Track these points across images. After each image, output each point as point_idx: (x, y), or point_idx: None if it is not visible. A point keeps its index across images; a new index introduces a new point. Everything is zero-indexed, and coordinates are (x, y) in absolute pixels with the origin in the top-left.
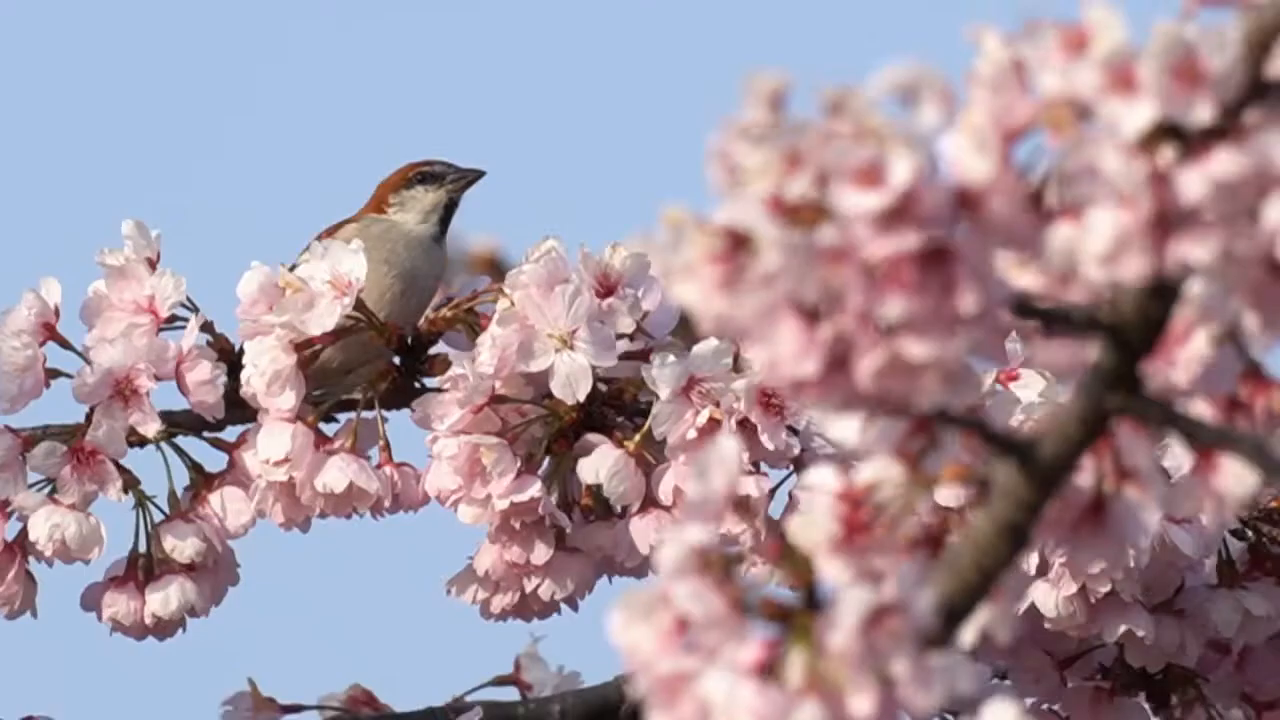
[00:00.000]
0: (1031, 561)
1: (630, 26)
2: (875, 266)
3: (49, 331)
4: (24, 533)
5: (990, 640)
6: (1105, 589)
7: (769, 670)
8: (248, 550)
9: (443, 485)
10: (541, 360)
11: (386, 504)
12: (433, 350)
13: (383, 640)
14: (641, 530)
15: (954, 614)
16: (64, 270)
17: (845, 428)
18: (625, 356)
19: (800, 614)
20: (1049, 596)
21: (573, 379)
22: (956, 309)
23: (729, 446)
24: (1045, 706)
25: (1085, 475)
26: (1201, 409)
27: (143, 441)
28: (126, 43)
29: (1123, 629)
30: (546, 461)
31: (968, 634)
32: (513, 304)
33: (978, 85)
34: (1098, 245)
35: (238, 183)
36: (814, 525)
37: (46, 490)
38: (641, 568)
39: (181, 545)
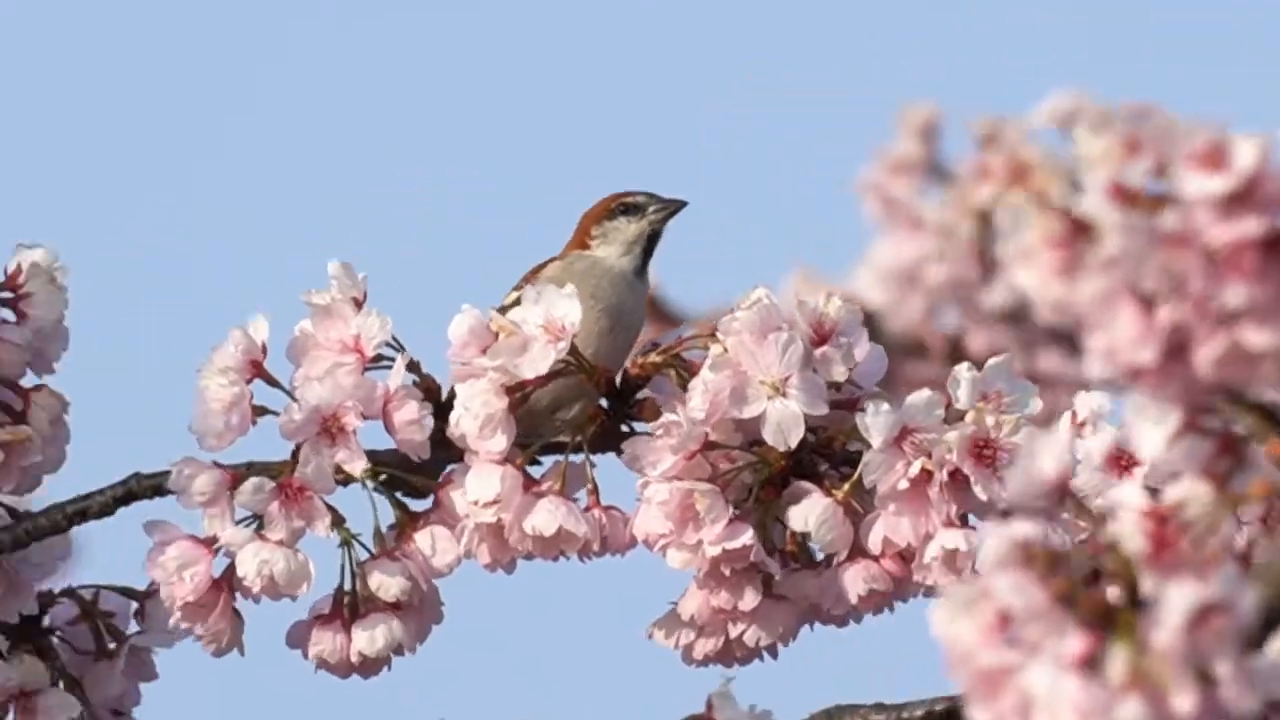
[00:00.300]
0: None
1: (628, 22)
2: (1217, 252)
3: (256, 369)
4: (231, 569)
5: None
6: None
7: (1091, 666)
8: (451, 588)
9: (652, 529)
10: (754, 407)
11: (595, 547)
12: (640, 395)
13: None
14: (851, 579)
15: (1268, 622)
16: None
17: (1152, 439)
18: (833, 405)
19: (1124, 611)
20: None
21: (784, 426)
22: None
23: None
24: None
25: None
26: None
27: (347, 480)
28: (126, 43)
29: None
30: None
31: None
32: (725, 350)
33: None
34: None
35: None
36: (1124, 541)
37: (253, 527)
38: (845, 617)
39: (388, 583)
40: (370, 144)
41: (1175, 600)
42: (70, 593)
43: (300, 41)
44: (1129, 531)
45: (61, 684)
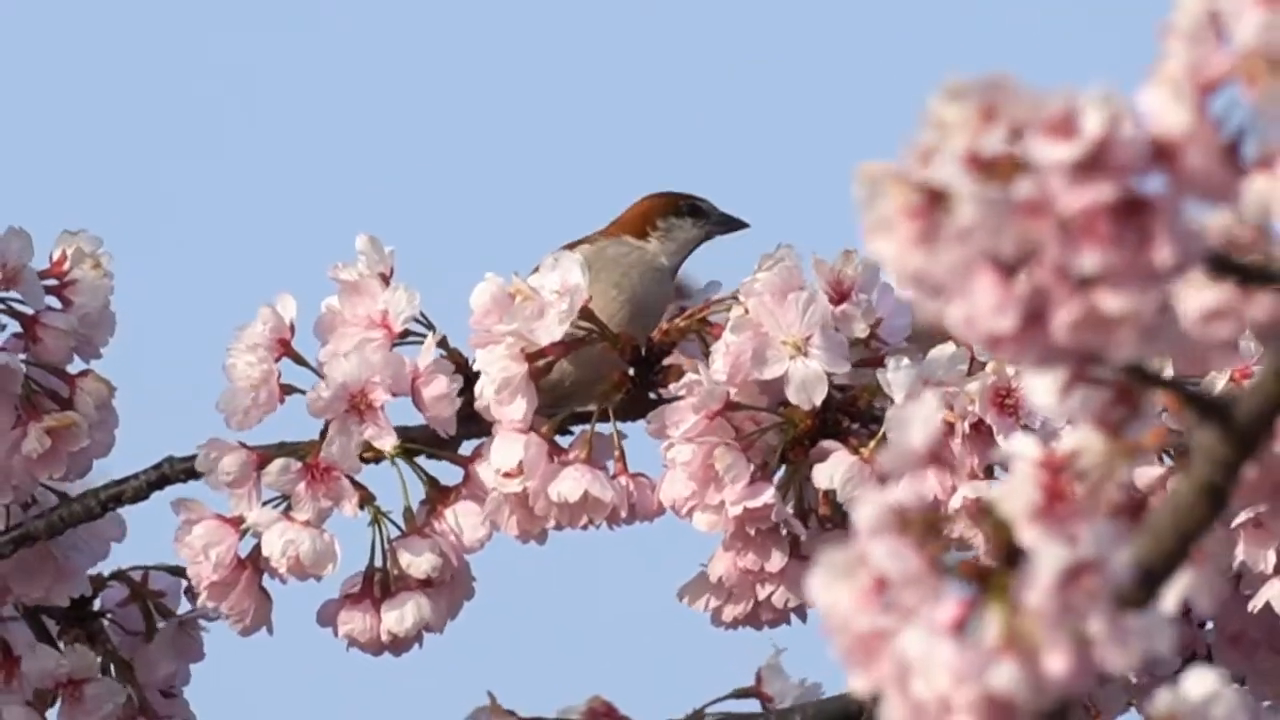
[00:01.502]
0: (1269, 560)
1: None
2: (1071, 219)
3: (284, 347)
4: (258, 549)
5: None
6: None
7: (966, 629)
8: (485, 563)
9: (677, 493)
10: (775, 367)
11: (623, 514)
12: (667, 361)
13: (623, 652)
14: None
15: (1154, 578)
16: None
17: (1043, 389)
18: (859, 363)
19: (997, 573)
20: None
21: (808, 385)
22: (1153, 261)
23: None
24: None
25: None
26: None
27: (377, 457)
28: (157, 24)
29: None
30: (782, 469)
31: (1169, 599)
32: (746, 311)
33: (1174, 36)
34: None
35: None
36: (1015, 493)
37: (281, 507)
38: None
39: (418, 561)
40: (403, 121)
41: (1046, 560)
42: (120, 574)
43: (332, 19)
44: (1022, 482)
45: (112, 666)
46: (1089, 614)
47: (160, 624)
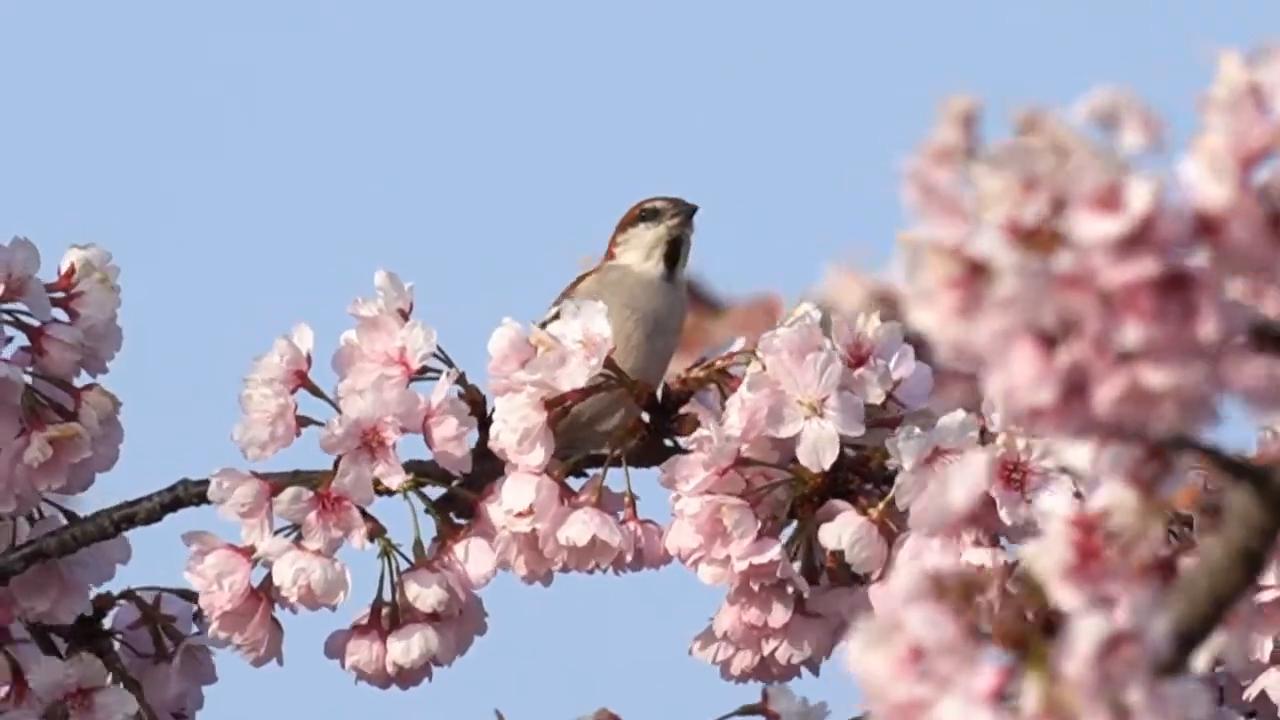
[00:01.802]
0: (1265, 649)
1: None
2: (1113, 293)
3: (300, 379)
4: (269, 579)
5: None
6: None
7: (1004, 698)
8: (499, 600)
9: (684, 544)
10: (790, 426)
11: (629, 559)
12: (684, 409)
13: (630, 671)
14: (882, 597)
15: (1187, 641)
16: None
17: (1078, 454)
18: (874, 424)
19: (1036, 641)
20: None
21: (819, 447)
22: (1196, 336)
23: (978, 460)
24: None
25: None
26: None
27: (391, 490)
28: (167, 40)
29: None
30: (792, 526)
31: (1202, 660)
32: (764, 368)
33: (1214, 109)
34: None
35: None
36: (1048, 552)
37: (292, 537)
38: None
39: (425, 594)
40: (419, 152)
41: (1085, 630)
42: (131, 595)
43: (332, 20)
44: (1054, 541)
45: (121, 685)
46: (1128, 683)
47: (170, 648)
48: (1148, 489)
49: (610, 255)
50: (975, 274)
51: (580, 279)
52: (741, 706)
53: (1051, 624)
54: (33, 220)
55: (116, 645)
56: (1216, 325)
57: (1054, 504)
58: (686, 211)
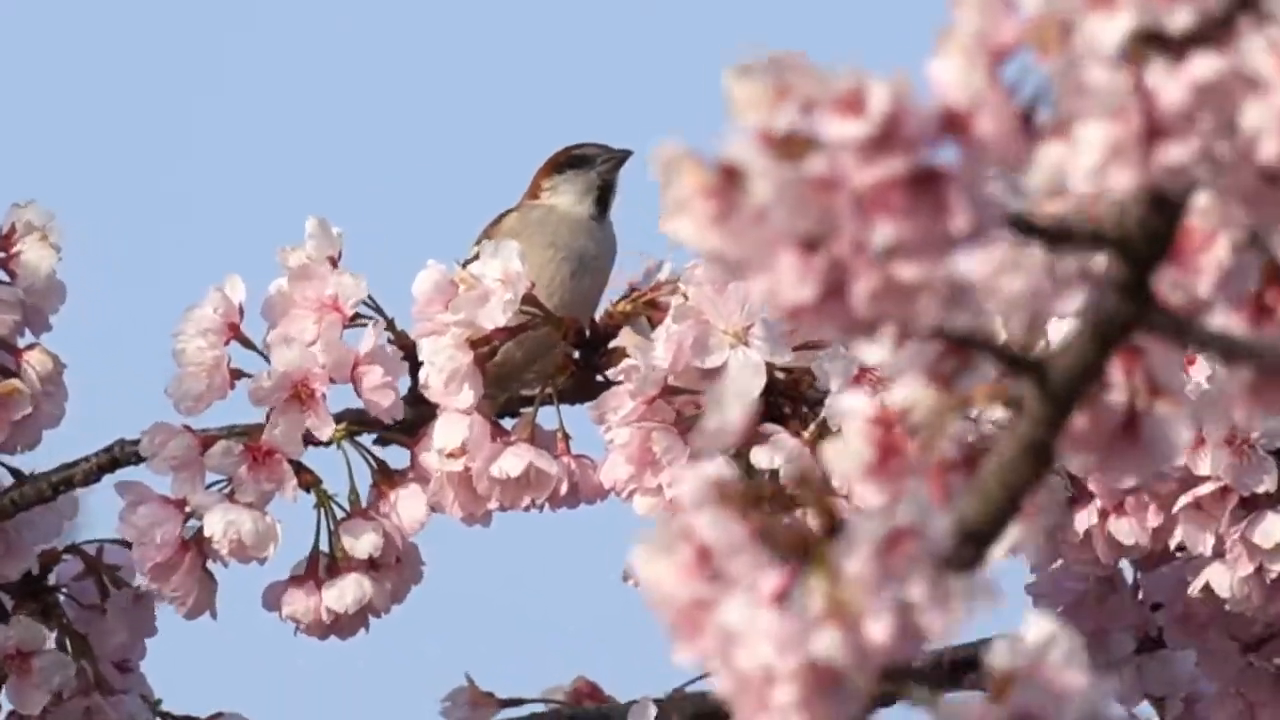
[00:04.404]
0: (1207, 542)
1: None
2: (864, 193)
3: (233, 331)
4: (201, 532)
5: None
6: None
7: (789, 599)
8: (456, 547)
9: (617, 475)
10: (716, 356)
11: (564, 490)
12: (612, 344)
13: (602, 635)
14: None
15: (983, 535)
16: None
17: (874, 349)
18: (802, 346)
19: (820, 543)
20: (1224, 577)
21: (745, 374)
22: (949, 230)
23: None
24: (1232, 690)
25: (1117, 391)
26: (1223, 319)
27: (330, 440)
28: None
29: None
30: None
31: (998, 552)
32: (687, 299)
33: (963, 5)
34: (1088, 160)
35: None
36: (848, 450)
37: (225, 491)
38: None
39: (359, 542)
40: (339, 98)
41: (863, 529)
42: (74, 548)
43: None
44: (854, 439)
45: (67, 640)
46: (909, 580)
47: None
48: (946, 384)
49: (534, 196)
50: (729, 181)
51: (501, 216)
52: None
53: (836, 526)
54: None
55: (61, 599)
56: (968, 218)
57: (855, 402)
58: (618, 158)
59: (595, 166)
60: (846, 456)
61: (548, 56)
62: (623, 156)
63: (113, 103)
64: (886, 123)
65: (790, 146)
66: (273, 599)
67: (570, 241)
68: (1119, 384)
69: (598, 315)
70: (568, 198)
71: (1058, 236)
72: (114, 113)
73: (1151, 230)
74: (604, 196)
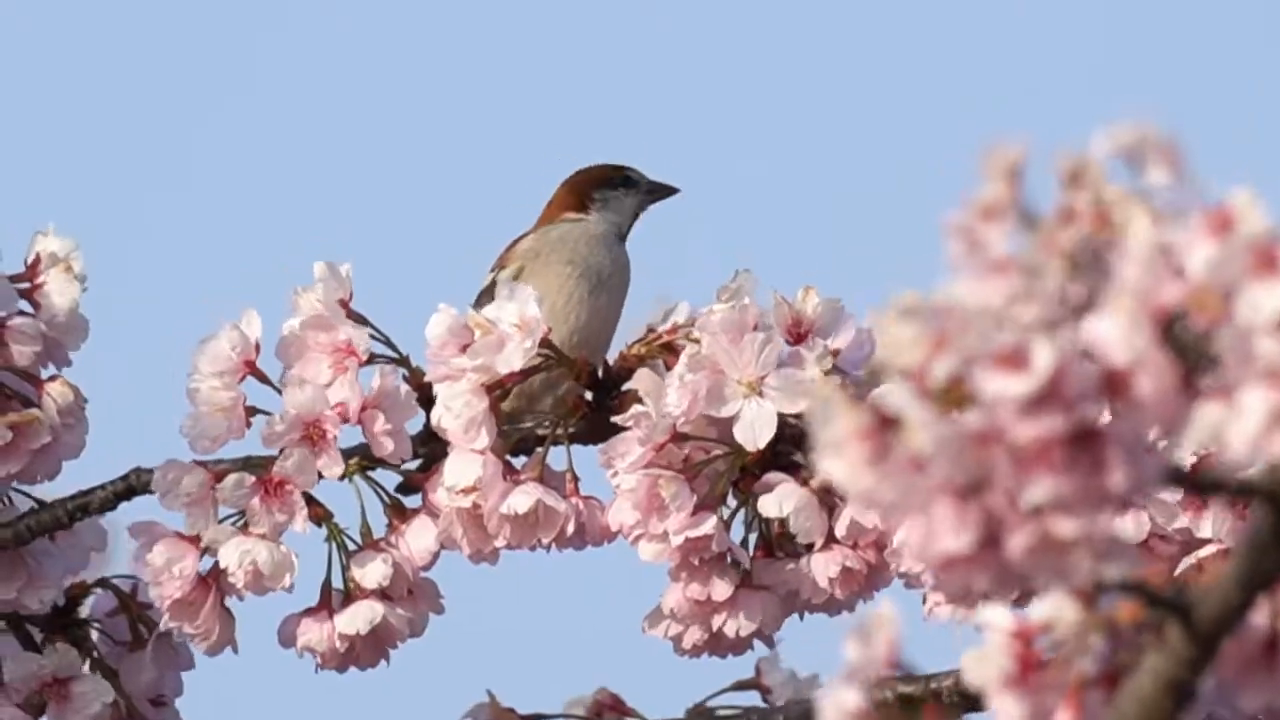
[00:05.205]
0: None
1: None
2: (1022, 449)
3: (249, 368)
4: (217, 567)
5: None
6: None
7: None
8: (481, 579)
9: (623, 520)
10: (730, 406)
11: (570, 529)
12: (628, 386)
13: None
14: (822, 564)
15: None
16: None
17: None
18: None
19: None
20: None
21: (757, 426)
22: (1106, 486)
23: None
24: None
25: (1261, 615)
26: None
27: (341, 476)
28: (127, 28)
29: None
30: (732, 499)
31: None
32: (700, 346)
33: (1129, 264)
34: (1250, 425)
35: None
36: (988, 661)
37: (238, 524)
38: (828, 605)
39: (368, 572)
40: (351, 123)
41: None
42: (106, 583)
43: (288, 32)
44: (994, 651)
45: (98, 673)
46: None
47: (146, 636)
48: (1088, 602)
49: (566, 209)
50: (886, 426)
51: (517, 241)
52: (735, 682)
53: None
54: None
55: (94, 634)
56: (1126, 476)
57: (995, 615)
58: (664, 191)
59: (641, 192)
60: (985, 666)
61: (556, 83)
62: (669, 192)
63: (134, 134)
64: (1050, 382)
65: (948, 397)
66: (287, 633)
67: (589, 258)
68: (1265, 608)
69: (613, 356)
70: (613, 215)
71: (1209, 487)
72: (136, 142)
73: None
74: (632, 222)
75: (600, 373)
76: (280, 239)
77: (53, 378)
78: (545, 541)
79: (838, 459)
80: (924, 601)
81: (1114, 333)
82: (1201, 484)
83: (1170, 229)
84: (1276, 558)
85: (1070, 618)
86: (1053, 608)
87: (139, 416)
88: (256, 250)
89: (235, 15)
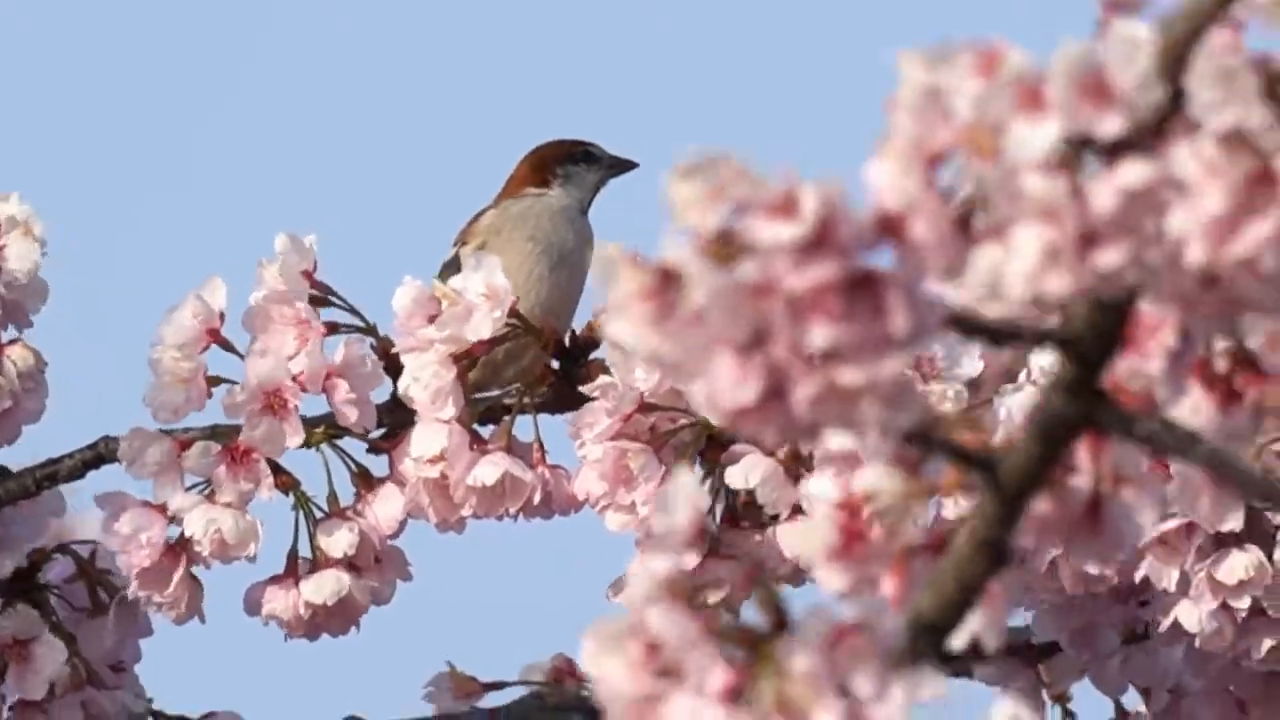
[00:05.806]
0: (1172, 578)
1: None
2: (799, 297)
3: (213, 336)
4: (184, 536)
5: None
6: (1245, 605)
7: (740, 695)
8: (438, 541)
9: (590, 489)
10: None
11: (537, 498)
12: (594, 355)
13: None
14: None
15: (938, 627)
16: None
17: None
18: None
19: (768, 638)
20: (1192, 613)
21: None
22: (888, 331)
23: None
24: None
25: (1083, 477)
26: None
27: (307, 443)
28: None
29: (1268, 644)
30: (699, 468)
31: (957, 641)
32: None
33: (899, 110)
34: (1023, 264)
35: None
36: (812, 534)
37: (204, 493)
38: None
39: (334, 540)
40: (319, 97)
41: (810, 625)
42: (65, 549)
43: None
44: (819, 523)
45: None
46: (856, 674)
47: (105, 601)
48: (912, 471)
49: (527, 185)
50: (667, 283)
51: (478, 215)
52: None
53: (785, 622)
54: None
55: (52, 599)
56: (907, 320)
57: (821, 487)
58: (624, 166)
59: (603, 167)
60: (810, 539)
61: (517, 59)
62: (629, 166)
63: (98, 99)
64: (819, 226)
65: (727, 249)
66: (253, 601)
67: (550, 234)
68: (1085, 469)
69: (579, 325)
70: (573, 189)
71: (1004, 336)
72: (100, 109)
73: (1099, 328)
74: (594, 195)
75: (567, 342)
76: (254, 202)
77: (13, 341)
78: (512, 511)
79: (623, 320)
80: None
81: (885, 177)
82: (996, 332)
83: (940, 72)
84: (1075, 408)
85: (893, 486)
86: (875, 477)
87: (108, 381)
88: (229, 216)
89: (234, 15)
